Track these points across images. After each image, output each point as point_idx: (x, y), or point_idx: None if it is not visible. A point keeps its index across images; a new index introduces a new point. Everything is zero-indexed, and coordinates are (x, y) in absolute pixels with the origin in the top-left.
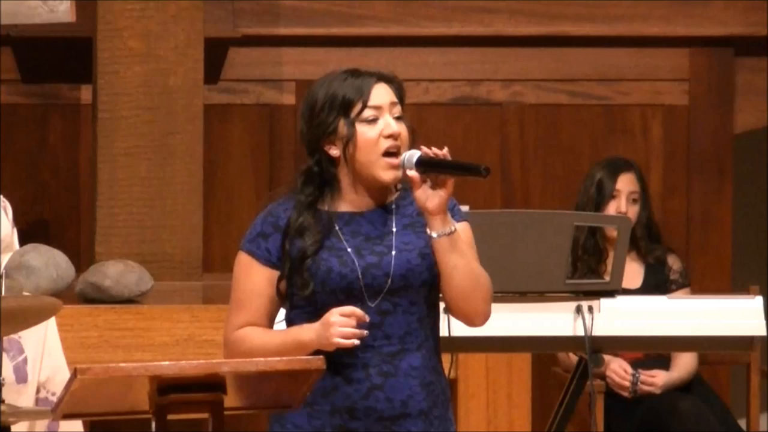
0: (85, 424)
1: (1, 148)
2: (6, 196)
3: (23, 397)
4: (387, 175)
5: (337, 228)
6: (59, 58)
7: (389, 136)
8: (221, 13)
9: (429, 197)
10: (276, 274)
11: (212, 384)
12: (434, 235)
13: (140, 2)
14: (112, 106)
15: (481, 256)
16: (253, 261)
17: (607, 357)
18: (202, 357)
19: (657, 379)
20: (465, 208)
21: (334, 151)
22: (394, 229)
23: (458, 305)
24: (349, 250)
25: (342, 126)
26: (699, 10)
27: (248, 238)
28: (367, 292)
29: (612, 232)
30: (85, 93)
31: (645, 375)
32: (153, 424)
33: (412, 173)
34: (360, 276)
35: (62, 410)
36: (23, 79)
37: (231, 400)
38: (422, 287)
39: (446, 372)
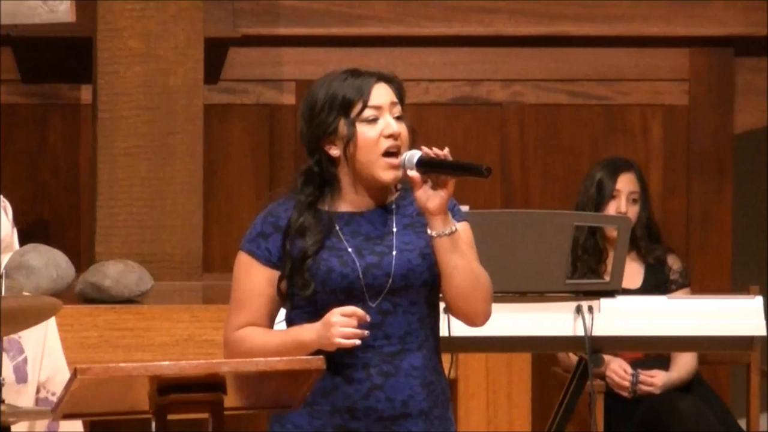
0: (85, 424)
1: (1, 148)
2: (6, 196)
3: (23, 397)
4: (387, 175)
5: (337, 228)
6: (59, 58)
7: (389, 136)
8: (221, 13)
9: (430, 197)
10: (276, 274)
11: (212, 384)
12: (435, 235)
13: (140, 2)
14: (112, 106)
15: (481, 256)
16: (254, 261)
17: (607, 357)
18: (202, 357)
19: (657, 379)
20: (465, 208)
21: (335, 151)
22: (395, 229)
23: (459, 305)
24: (349, 250)
25: (342, 126)
26: (699, 10)
27: (248, 238)
28: (367, 292)
29: (612, 232)
30: (85, 93)
31: (645, 375)
32: (153, 424)
33: (413, 173)
34: (361, 276)
35: (62, 410)
36: (23, 79)
37: (231, 400)
38: (423, 287)
39: (446, 372)
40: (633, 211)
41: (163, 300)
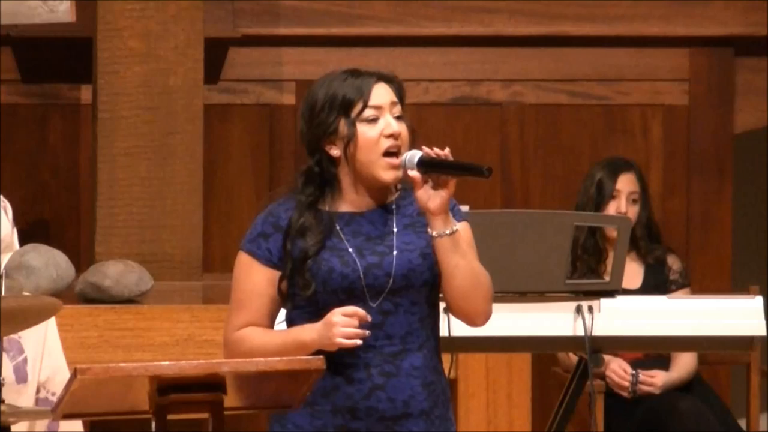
0: (85, 424)
1: (1, 148)
2: (6, 196)
3: (23, 397)
4: (387, 175)
5: (338, 228)
6: (59, 58)
7: (390, 136)
8: (221, 13)
9: (431, 197)
10: (277, 274)
11: (212, 384)
12: (436, 235)
13: (140, 2)
14: (112, 106)
15: (481, 256)
16: (254, 261)
17: (606, 357)
18: (202, 357)
19: (656, 379)
20: (465, 208)
21: (335, 151)
22: (395, 229)
23: (459, 305)
24: (350, 250)
25: (342, 126)
26: (699, 10)
27: (249, 239)
28: (368, 292)
29: (612, 232)
30: (85, 93)
31: (645, 375)
32: (153, 424)
33: (414, 173)
34: (362, 276)
35: (62, 410)
36: (23, 79)
37: (231, 400)
38: (423, 287)
39: (446, 372)
40: (633, 211)
41: (163, 300)
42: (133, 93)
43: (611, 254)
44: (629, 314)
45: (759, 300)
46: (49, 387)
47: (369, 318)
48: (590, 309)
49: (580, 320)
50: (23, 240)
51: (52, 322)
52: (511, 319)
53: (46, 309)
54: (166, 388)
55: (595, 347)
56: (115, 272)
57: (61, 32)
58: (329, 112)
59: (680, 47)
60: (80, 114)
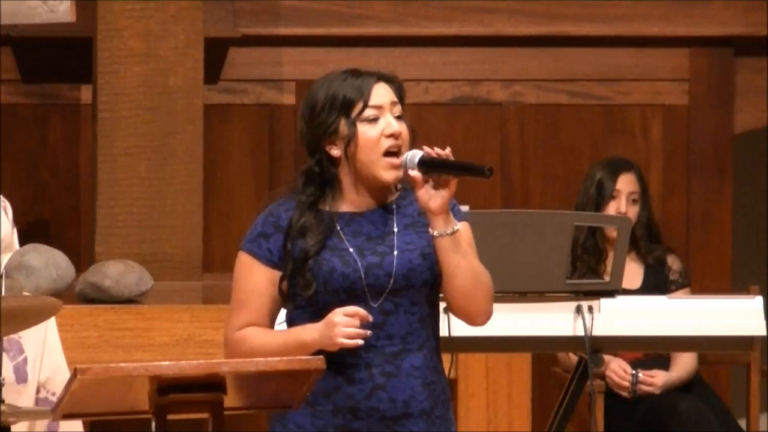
0: (85, 424)
1: (1, 148)
2: (6, 196)
3: (23, 397)
4: (388, 175)
5: (338, 228)
6: (59, 58)
7: (390, 136)
8: (221, 13)
9: (432, 197)
10: (277, 274)
11: (212, 384)
12: (437, 234)
13: (140, 2)
14: (112, 106)
15: (481, 256)
16: (255, 261)
17: (606, 357)
18: (202, 357)
19: (656, 379)
20: (465, 208)
21: (335, 151)
22: (395, 229)
23: (460, 304)
24: (351, 250)
25: (343, 126)
26: (699, 10)
27: (249, 239)
28: (369, 292)
29: (612, 232)
30: (85, 93)
31: (645, 375)
32: (153, 424)
33: (415, 173)
34: (363, 276)
35: (62, 410)
36: (23, 79)
37: (231, 400)
38: (424, 287)
39: (446, 372)
40: (633, 211)
41: (163, 300)
42: (133, 93)
43: (611, 254)
44: (629, 314)
45: (759, 300)
46: (49, 387)
47: (370, 318)
48: (590, 309)
49: (580, 320)
50: (23, 240)
51: (52, 322)
52: (511, 319)
53: (46, 309)
54: (166, 388)
55: (595, 347)
56: (115, 272)
57: (61, 32)
58: (329, 112)
59: (680, 47)
60: (80, 114)
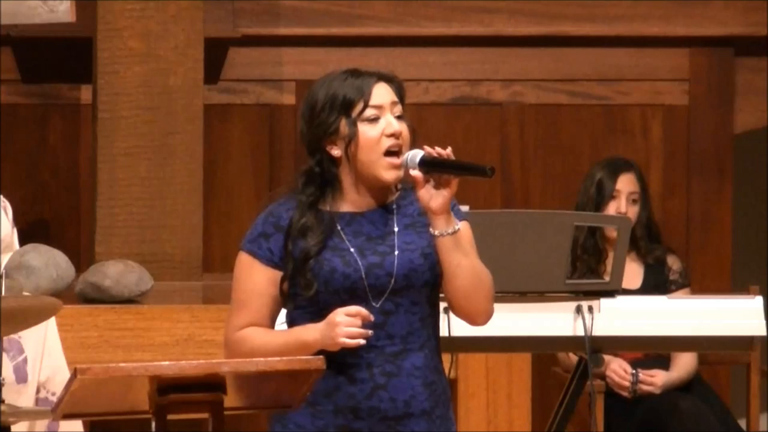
0: (85, 424)
1: (1, 148)
2: (6, 196)
3: (23, 397)
4: (389, 175)
5: (339, 228)
6: (59, 58)
7: (391, 135)
8: (221, 13)
9: (432, 197)
10: (278, 274)
11: (212, 384)
12: (438, 234)
13: (140, 2)
14: (112, 106)
15: (482, 256)
16: (255, 261)
17: (607, 357)
18: (202, 357)
19: (656, 379)
20: (465, 208)
21: (336, 151)
22: (396, 229)
23: (461, 304)
24: (351, 250)
25: (343, 126)
26: (699, 10)
27: (249, 239)
28: (370, 292)
29: (612, 232)
30: (85, 93)
31: (645, 375)
32: (153, 424)
33: (416, 173)
34: (364, 276)
35: (62, 410)
36: (23, 79)
37: (231, 400)
38: (424, 287)
39: (446, 372)
40: (633, 212)
41: (163, 300)
42: (133, 93)
43: (611, 254)
44: (629, 314)
45: (759, 300)
46: (49, 387)
47: (372, 318)
48: (590, 309)
49: (580, 320)
50: (23, 240)
51: (52, 322)
52: (511, 319)
53: (46, 309)
54: (166, 388)
55: (595, 347)
56: (115, 272)
57: (61, 32)
58: (330, 112)
59: (680, 47)
60: (80, 114)
